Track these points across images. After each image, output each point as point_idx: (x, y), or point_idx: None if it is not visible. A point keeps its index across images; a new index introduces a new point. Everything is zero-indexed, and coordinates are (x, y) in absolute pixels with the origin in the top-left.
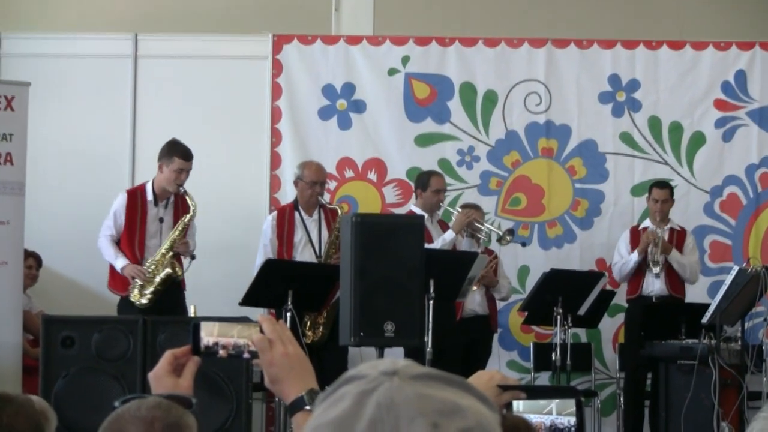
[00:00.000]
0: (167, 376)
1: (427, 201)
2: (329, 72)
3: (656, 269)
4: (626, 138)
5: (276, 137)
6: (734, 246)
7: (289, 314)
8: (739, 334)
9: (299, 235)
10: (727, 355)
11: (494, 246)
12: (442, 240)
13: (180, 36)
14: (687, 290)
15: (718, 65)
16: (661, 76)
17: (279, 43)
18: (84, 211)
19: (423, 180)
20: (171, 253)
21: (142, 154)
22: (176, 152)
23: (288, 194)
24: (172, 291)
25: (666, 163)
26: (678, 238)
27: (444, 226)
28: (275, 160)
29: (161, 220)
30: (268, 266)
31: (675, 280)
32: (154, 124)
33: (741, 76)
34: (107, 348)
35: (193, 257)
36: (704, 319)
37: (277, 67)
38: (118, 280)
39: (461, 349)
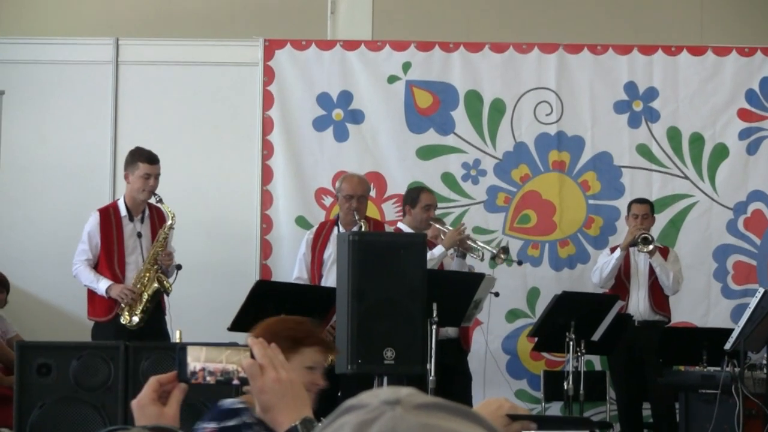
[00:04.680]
0: (151, 404)
1: (417, 218)
2: (324, 79)
3: (648, 248)
4: (643, 150)
5: (267, 149)
6: (759, 267)
7: None
8: (764, 362)
9: (329, 251)
10: (751, 384)
11: (481, 266)
12: (430, 254)
13: (164, 40)
14: (709, 315)
15: (741, 72)
16: (680, 83)
17: (270, 48)
18: (61, 228)
19: (412, 196)
20: (155, 267)
21: (123, 166)
22: (139, 157)
23: (280, 211)
24: (153, 314)
25: (686, 178)
26: (661, 254)
27: (432, 245)
28: (267, 174)
29: (139, 234)
30: (258, 288)
31: (659, 296)
32: (137, 135)
33: (766, 83)
34: (86, 376)
35: (179, 267)
36: (727, 345)
37: (269, 75)
38: (98, 306)
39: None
